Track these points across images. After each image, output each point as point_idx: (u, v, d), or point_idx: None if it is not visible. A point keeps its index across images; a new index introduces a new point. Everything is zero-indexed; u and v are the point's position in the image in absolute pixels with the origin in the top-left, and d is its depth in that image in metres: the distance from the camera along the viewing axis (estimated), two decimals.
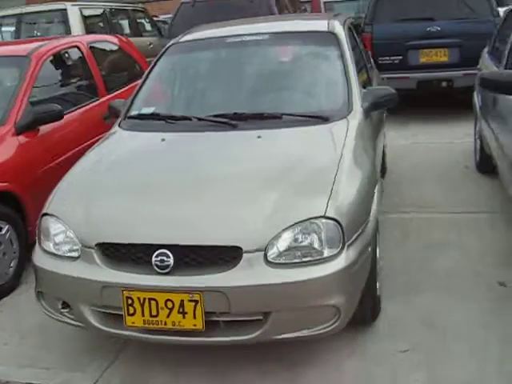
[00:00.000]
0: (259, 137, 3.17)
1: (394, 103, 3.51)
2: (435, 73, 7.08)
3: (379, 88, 3.80)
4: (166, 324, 2.57)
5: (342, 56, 3.63)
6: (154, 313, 2.57)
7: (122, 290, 2.58)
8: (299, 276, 2.49)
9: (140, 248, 2.62)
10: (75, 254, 2.75)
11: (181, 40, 4.12)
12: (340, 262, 2.52)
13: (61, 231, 2.83)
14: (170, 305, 2.54)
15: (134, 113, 3.73)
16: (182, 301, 2.52)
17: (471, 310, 3.06)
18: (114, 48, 5.94)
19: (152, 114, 3.63)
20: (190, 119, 3.46)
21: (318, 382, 2.69)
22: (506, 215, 4.13)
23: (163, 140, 3.30)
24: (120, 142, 3.49)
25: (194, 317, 2.52)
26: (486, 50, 5.61)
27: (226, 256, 2.55)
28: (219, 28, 4.28)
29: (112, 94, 5.12)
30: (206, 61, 3.99)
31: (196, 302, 2.50)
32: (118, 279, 2.61)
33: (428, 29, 7.00)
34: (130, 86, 5.33)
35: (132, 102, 3.79)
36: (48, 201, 3.00)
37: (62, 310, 2.84)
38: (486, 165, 4.92)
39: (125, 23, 10.55)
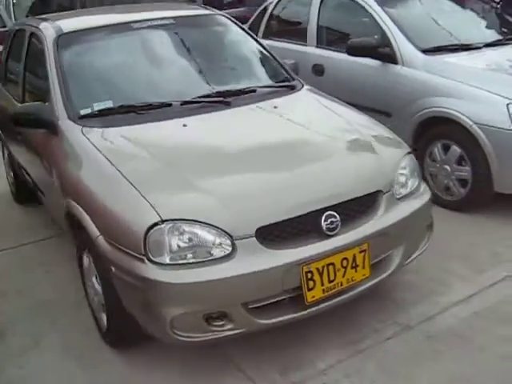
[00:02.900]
0: (275, 107, 3.22)
1: None
2: None
3: None
4: (341, 284, 2.58)
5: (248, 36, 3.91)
6: (331, 278, 2.54)
7: (302, 266, 2.45)
8: (420, 202, 2.89)
9: (305, 217, 2.51)
10: (225, 251, 2.38)
11: (72, 30, 3.52)
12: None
13: (193, 234, 2.37)
14: (345, 263, 2.56)
15: (85, 111, 3.09)
16: (354, 255, 2.58)
17: None
18: None
19: (122, 107, 3.09)
20: (169, 105, 3.15)
21: None
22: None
23: (185, 125, 2.96)
24: (129, 138, 2.90)
25: (363, 267, 2.63)
26: None
27: (370, 201, 2.71)
28: (98, 15, 3.83)
29: None
30: (128, 47, 3.50)
31: (364, 251, 2.61)
32: (294, 257, 2.44)
33: None
34: None
35: (68, 102, 3.13)
36: (143, 210, 2.40)
37: (215, 324, 2.42)
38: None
39: None
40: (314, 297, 2.51)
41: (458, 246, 3.55)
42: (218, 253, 2.38)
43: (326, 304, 2.58)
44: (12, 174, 4.86)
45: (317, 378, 2.59)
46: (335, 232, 2.55)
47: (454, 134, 3.86)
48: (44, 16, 4.18)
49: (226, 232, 2.39)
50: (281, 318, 2.51)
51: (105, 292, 2.66)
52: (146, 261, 2.36)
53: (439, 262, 3.35)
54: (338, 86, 4.44)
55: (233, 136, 2.94)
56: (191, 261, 2.37)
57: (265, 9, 5.77)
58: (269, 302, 2.49)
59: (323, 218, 2.53)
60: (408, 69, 4.15)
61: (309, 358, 2.72)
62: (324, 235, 2.53)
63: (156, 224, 2.36)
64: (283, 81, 3.63)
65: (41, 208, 4.74)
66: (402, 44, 4.21)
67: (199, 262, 2.37)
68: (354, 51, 4.42)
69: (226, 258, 2.38)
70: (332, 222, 2.54)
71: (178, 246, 2.37)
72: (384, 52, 4.28)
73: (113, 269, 2.50)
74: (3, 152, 5.17)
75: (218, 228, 2.38)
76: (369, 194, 2.70)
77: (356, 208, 2.66)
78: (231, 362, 2.74)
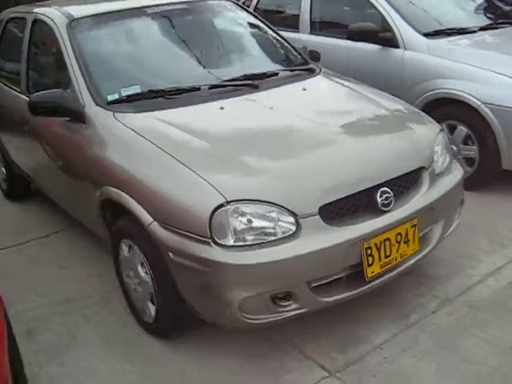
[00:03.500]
0: (304, 89, 3.22)
1: None
2: None
3: None
4: (396, 259, 2.62)
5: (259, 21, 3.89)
6: (387, 253, 2.58)
7: (362, 242, 2.47)
8: (456, 178, 2.96)
9: (362, 194, 2.52)
10: (290, 230, 2.36)
11: (84, 15, 3.40)
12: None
13: (257, 214, 2.34)
14: (399, 238, 2.60)
15: (112, 97, 3.00)
16: (407, 230, 2.63)
17: None
18: None
19: (151, 92, 3.01)
20: (198, 89, 3.10)
21: None
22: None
23: (222, 108, 2.91)
24: (169, 122, 2.82)
25: (414, 241, 2.67)
26: None
27: (416, 177, 2.76)
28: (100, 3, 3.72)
29: None
30: (145, 32, 3.43)
31: (415, 226, 2.66)
32: (356, 233, 2.46)
33: None
34: None
35: (93, 88, 3.02)
36: (207, 193, 2.35)
37: (281, 304, 2.40)
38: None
39: None
40: (373, 272, 2.54)
41: (476, 222, 3.65)
42: (282, 232, 2.36)
43: (382, 279, 2.62)
44: (4, 170, 4.64)
45: (375, 353, 2.62)
46: (389, 208, 2.58)
47: (460, 115, 3.98)
48: (41, 3, 4.03)
49: (290, 211, 2.37)
50: (342, 295, 2.53)
51: (157, 280, 2.59)
52: (212, 243, 2.31)
53: (463, 238, 3.45)
54: (336, 70, 4.47)
55: (273, 117, 2.92)
56: (256, 242, 2.34)
57: None
58: (329, 280, 2.51)
59: (378, 194, 2.56)
60: (411, 52, 4.23)
61: (364, 334, 2.75)
62: (379, 211, 2.56)
63: (221, 206, 2.31)
64: (300, 64, 3.64)
65: (35, 204, 4.62)
66: (402, 28, 4.29)
67: (264, 242, 2.34)
68: (355, 36, 4.47)
69: (291, 236, 2.37)
70: (387, 198, 2.57)
71: (243, 227, 2.34)
72: (385, 36, 4.35)
73: (170, 254, 2.44)
74: None
75: (282, 207, 2.36)
76: (414, 171, 2.75)
77: (405, 184, 2.70)
78: (290, 343, 2.73)
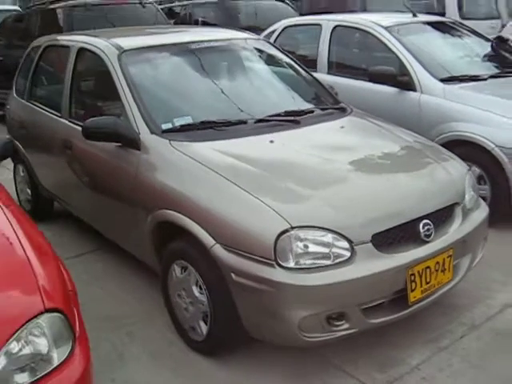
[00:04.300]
0: (342, 127, 3.47)
1: None
2: None
3: None
4: (434, 286, 2.85)
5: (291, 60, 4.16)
6: (428, 280, 2.80)
7: (407, 269, 2.69)
8: (483, 214, 3.21)
9: (407, 225, 2.75)
10: (346, 256, 2.57)
11: (133, 47, 3.62)
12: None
13: (316, 239, 2.55)
14: (437, 267, 2.83)
15: (166, 126, 3.19)
16: (444, 259, 2.86)
17: None
18: None
19: (202, 123, 3.22)
20: (245, 122, 3.32)
21: None
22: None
23: (272, 142, 3.13)
24: (225, 152, 3.03)
25: (449, 270, 2.90)
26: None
27: (451, 211, 3.00)
28: (147, 36, 3.93)
29: None
30: (191, 66, 3.64)
31: (450, 256, 2.89)
32: (403, 261, 2.68)
33: None
34: None
35: (147, 117, 3.22)
36: (272, 219, 2.55)
37: (335, 323, 2.59)
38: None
39: None
40: (415, 297, 2.75)
41: (490, 256, 3.90)
42: (339, 257, 2.57)
43: (422, 304, 2.83)
44: (29, 191, 4.76)
45: (414, 373, 2.81)
46: (430, 238, 2.82)
47: (473, 156, 4.26)
48: (82, 32, 4.24)
49: (346, 238, 2.58)
50: (388, 318, 2.73)
51: (213, 299, 2.75)
52: (276, 265, 2.50)
53: (480, 270, 3.69)
54: None
55: (319, 152, 3.14)
56: (314, 265, 2.54)
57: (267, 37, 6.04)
58: (375, 304, 2.71)
59: (421, 226, 2.79)
60: (427, 96, 4.55)
61: (399, 356, 2.93)
62: (421, 241, 2.79)
63: (285, 231, 2.51)
64: (332, 103, 3.89)
65: (57, 226, 4.71)
66: (420, 73, 4.62)
67: (323, 266, 2.55)
68: (374, 78, 4.77)
69: (347, 261, 2.57)
70: (428, 230, 2.80)
71: (303, 251, 2.54)
72: (403, 80, 4.66)
73: (233, 275, 2.61)
74: (15, 170, 5.07)
75: (340, 234, 2.57)
76: (450, 205, 2.99)
77: (442, 217, 2.94)
78: (330, 363, 2.90)
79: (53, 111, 4.15)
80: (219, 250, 2.66)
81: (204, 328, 2.87)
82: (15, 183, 5.12)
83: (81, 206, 4.09)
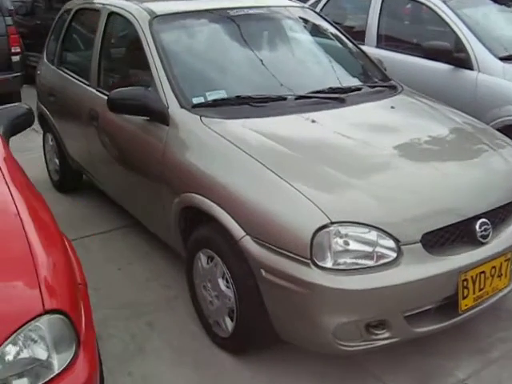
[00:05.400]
0: (392, 107, 3.13)
1: None
2: None
3: None
4: (488, 293, 2.52)
5: (338, 31, 3.79)
6: (481, 286, 2.48)
7: (460, 274, 2.37)
8: None
9: (462, 224, 2.43)
10: (391, 257, 2.27)
11: (166, 12, 3.33)
12: None
13: (358, 237, 2.25)
14: (493, 272, 2.51)
15: (198, 100, 2.91)
16: (501, 264, 2.53)
17: None
18: None
19: (237, 98, 2.93)
20: (284, 99, 3.01)
21: None
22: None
23: (314, 121, 2.82)
24: (261, 132, 2.73)
25: (505, 276, 2.57)
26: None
27: (509, 210, 2.65)
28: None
29: None
30: (229, 35, 3.32)
31: (508, 260, 2.56)
32: (456, 264, 2.36)
33: None
34: None
35: (178, 89, 2.94)
36: (310, 212, 2.26)
37: (375, 332, 2.30)
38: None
39: None
40: (466, 305, 2.44)
41: None
42: (383, 257, 2.27)
43: (473, 312, 2.51)
44: (57, 161, 4.58)
45: None
46: (487, 240, 2.48)
47: None
48: None
49: (393, 236, 2.28)
50: (434, 327, 2.43)
51: (240, 295, 2.50)
52: (312, 265, 2.22)
53: None
54: None
55: (367, 135, 2.81)
56: (355, 266, 2.25)
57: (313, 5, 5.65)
58: (420, 311, 2.42)
59: (478, 225, 2.46)
60: (485, 75, 4.13)
61: (444, 367, 2.64)
62: (477, 243, 2.46)
63: (324, 226, 2.22)
64: (381, 80, 3.54)
65: (85, 198, 4.53)
66: (478, 50, 4.19)
67: (364, 267, 2.25)
68: (428, 54, 4.38)
69: (392, 263, 2.27)
70: (485, 230, 2.47)
71: (340, 249, 2.25)
72: (459, 57, 4.25)
73: (263, 272, 2.35)
74: (44, 139, 4.88)
75: (385, 232, 2.27)
76: (509, 203, 2.65)
77: (500, 216, 2.60)
78: (368, 372, 2.63)
79: (81, 79, 3.91)
80: (249, 243, 2.39)
81: (230, 324, 2.63)
82: (44, 152, 4.95)
83: (106, 180, 3.87)
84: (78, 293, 1.90)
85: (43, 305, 1.66)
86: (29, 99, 5.14)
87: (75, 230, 4.01)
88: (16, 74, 6.95)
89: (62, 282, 1.82)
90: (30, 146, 5.58)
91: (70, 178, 4.57)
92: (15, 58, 6.97)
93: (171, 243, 3.16)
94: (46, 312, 1.66)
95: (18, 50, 7.04)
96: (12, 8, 9.13)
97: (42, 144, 5.02)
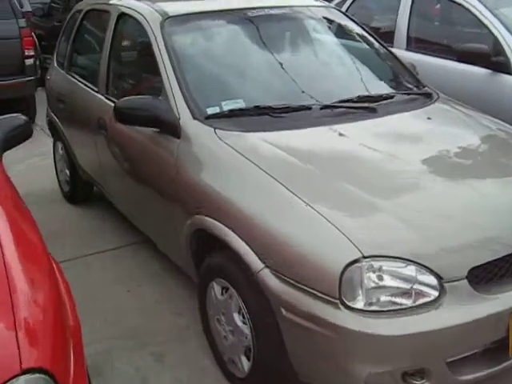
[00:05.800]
0: (429, 118, 2.81)
1: None
2: None
3: None
4: None
5: (366, 33, 3.47)
6: None
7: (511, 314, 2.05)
8: None
9: (510, 256, 2.10)
10: (432, 296, 1.96)
11: (179, 13, 3.05)
12: None
13: (394, 274, 1.94)
14: None
15: (213, 110, 2.63)
16: None
17: None
18: None
19: (256, 108, 2.64)
20: (309, 108, 2.71)
21: None
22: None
23: (342, 135, 2.52)
24: (284, 148, 2.43)
25: None
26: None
27: None
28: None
29: None
30: (247, 38, 3.04)
31: None
32: (507, 304, 2.03)
33: None
34: None
35: (190, 98, 2.65)
36: (339, 244, 1.96)
37: (413, 381, 1.99)
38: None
39: None
40: None
41: None
42: (423, 296, 1.96)
43: None
44: (68, 172, 4.34)
45: None
46: None
47: None
48: None
49: (434, 272, 1.96)
50: (481, 373, 2.09)
51: (258, 333, 2.20)
52: (340, 305, 1.92)
53: None
54: None
55: (403, 151, 2.50)
56: (391, 306, 1.95)
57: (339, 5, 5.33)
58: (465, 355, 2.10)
59: None
60: None
61: None
62: None
63: (355, 261, 1.92)
64: (415, 87, 3.21)
65: (96, 210, 4.29)
66: None
67: (401, 308, 1.94)
68: (463, 57, 4.05)
69: (433, 303, 1.96)
70: None
71: (376, 285, 1.94)
72: (498, 61, 3.91)
73: (283, 310, 2.05)
74: (55, 147, 4.65)
75: (425, 267, 1.96)
76: None
77: None
78: None
79: (89, 84, 3.65)
80: (268, 276, 2.09)
81: (246, 364, 2.34)
82: (54, 161, 4.72)
83: (116, 193, 3.61)
84: (67, 341, 1.62)
85: (20, 362, 1.38)
86: (44, 103, 4.90)
87: (84, 244, 3.79)
88: (29, 78, 6.73)
89: (46, 328, 1.52)
90: (44, 151, 5.40)
91: (80, 189, 4.33)
92: (29, 62, 6.73)
93: (182, 266, 2.88)
94: (24, 372, 1.38)
95: (32, 52, 6.81)
96: (30, 10, 9.01)
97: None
